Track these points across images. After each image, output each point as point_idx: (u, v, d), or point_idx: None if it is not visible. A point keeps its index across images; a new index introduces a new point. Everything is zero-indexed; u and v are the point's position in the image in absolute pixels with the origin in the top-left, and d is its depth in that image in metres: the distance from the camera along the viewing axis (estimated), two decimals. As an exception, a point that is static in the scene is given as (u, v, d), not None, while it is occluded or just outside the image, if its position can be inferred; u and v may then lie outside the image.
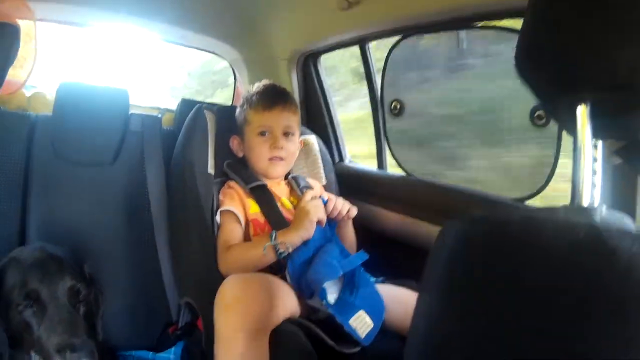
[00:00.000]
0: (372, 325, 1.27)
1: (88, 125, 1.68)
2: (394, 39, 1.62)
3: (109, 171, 1.69)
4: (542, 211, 0.63)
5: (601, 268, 0.47)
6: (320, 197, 1.49)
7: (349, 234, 1.54)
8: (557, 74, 0.61)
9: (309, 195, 1.47)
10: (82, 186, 1.65)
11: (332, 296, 1.31)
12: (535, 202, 1.33)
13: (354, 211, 1.50)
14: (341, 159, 1.95)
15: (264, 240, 1.33)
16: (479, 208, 1.38)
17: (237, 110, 1.60)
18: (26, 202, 1.61)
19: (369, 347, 1.24)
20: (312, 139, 1.76)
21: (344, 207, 1.48)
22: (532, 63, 0.64)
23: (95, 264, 1.40)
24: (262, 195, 1.48)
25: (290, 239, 1.33)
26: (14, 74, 1.74)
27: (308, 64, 1.97)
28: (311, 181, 1.64)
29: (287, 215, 1.46)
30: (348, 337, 1.23)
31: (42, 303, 1.14)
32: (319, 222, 1.40)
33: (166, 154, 1.68)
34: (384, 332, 1.29)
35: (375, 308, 1.32)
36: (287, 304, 1.26)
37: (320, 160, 1.73)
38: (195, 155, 1.49)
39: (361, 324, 1.27)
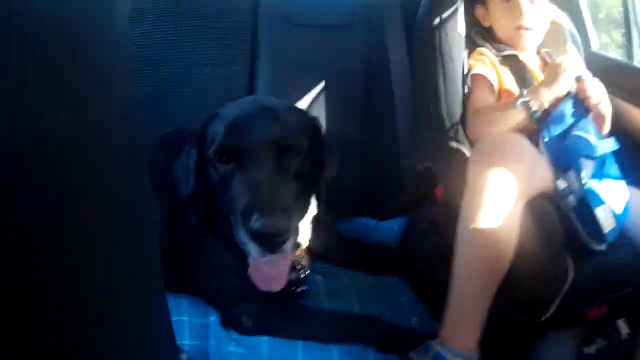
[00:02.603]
0: (614, 225, 1.16)
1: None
2: None
3: (343, 35, 1.65)
4: None
5: None
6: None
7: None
8: None
9: (566, 57, 1.33)
10: (311, 50, 1.62)
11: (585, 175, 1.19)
12: None
13: (602, 107, 1.29)
14: (589, 45, 1.72)
15: (514, 102, 1.24)
16: None
17: None
18: (254, 65, 1.62)
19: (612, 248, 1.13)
20: (562, 17, 1.56)
21: (595, 94, 1.27)
22: None
23: (327, 128, 1.38)
24: (515, 65, 1.37)
25: (543, 95, 1.22)
26: None
27: None
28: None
29: None
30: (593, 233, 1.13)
31: (242, 158, 0.96)
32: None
33: (406, 18, 1.59)
34: (622, 236, 1.18)
35: (620, 207, 1.19)
36: (544, 175, 1.17)
37: (570, 43, 1.53)
38: (444, 15, 1.39)
39: (605, 217, 1.15)
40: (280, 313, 1.14)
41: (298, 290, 1.15)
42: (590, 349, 1.21)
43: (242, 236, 0.91)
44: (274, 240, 0.88)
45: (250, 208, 0.89)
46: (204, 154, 1.01)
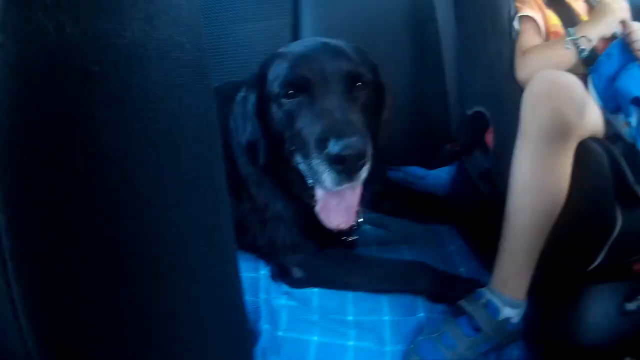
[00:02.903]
0: None
1: None
2: None
3: None
4: None
5: None
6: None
7: None
8: None
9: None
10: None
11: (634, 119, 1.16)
12: None
13: None
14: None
15: (561, 40, 1.22)
16: None
17: None
18: (297, 18, 1.58)
19: None
20: None
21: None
22: None
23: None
24: (561, 8, 1.34)
25: (590, 33, 1.20)
26: None
27: None
28: None
29: None
30: None
31: (309, 90, 0.95)
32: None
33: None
34: None
35: None
36: (595, 117, 1.14)
37: None
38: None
39: None
40: (332, 263, 1.13)
41: (349, 239, 1.13)
42: (631, 305, 1.19)
43: (318, 165, 0.89)
44: (353, 163, 0.86)
45: (326, 134, 0.87)
46: (264, 95, 0.99)
